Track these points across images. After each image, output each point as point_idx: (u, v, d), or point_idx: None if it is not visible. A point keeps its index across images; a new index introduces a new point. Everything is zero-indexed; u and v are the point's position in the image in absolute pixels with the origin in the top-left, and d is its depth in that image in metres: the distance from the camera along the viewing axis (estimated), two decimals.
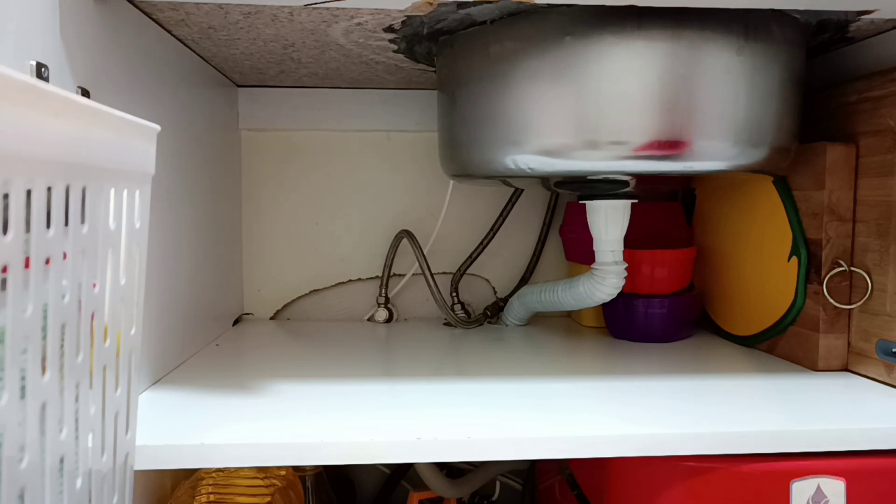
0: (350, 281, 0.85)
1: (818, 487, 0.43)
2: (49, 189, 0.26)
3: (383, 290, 0.83)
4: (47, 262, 0.26)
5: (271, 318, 0.85)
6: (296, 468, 0.67)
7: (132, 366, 0.36)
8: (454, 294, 0.84)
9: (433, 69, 0.70)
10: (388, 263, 0.83)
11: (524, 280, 0.86)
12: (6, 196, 0.23)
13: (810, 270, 0.59)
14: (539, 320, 0.83)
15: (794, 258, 0.60)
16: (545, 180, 0.59)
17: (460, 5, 0.50)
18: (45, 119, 0.25)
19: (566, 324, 0.81)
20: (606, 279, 0.64)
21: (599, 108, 0.50)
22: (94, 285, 0.31)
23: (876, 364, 0.55)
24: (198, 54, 0.65)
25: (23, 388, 0.25)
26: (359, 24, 0.54)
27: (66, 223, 0.27)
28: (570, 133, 0.51)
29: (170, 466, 0.40)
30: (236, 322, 0.82)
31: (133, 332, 0.36)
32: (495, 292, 0.86)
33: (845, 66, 0.62)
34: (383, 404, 0.48)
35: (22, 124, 0.23)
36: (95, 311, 0.31)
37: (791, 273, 0.61)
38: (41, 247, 0.25)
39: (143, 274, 0.37)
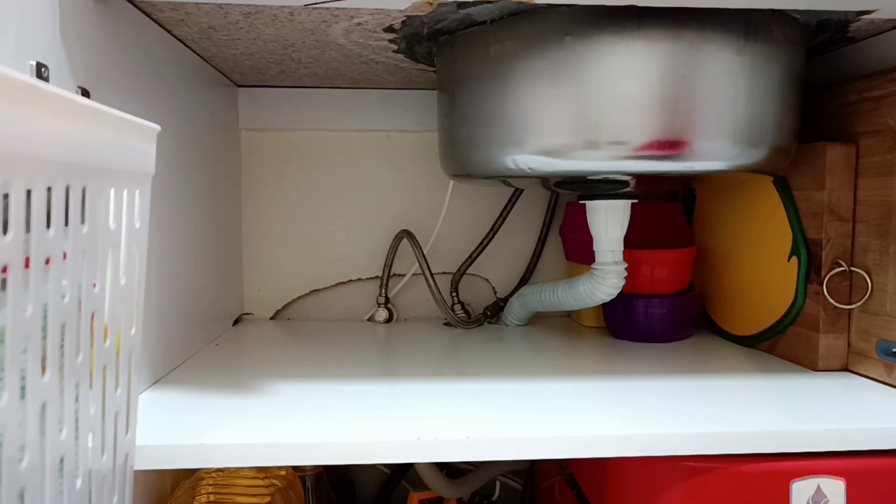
0: (350, 281, 0.85)
1: (818, 487, 0.43)
2: (49, 189, 0.26)
3: (383, 290, 0.83)
4: (47, 262, 0.26)
5: (271, 318, 0.85)
6: (296, 468, 0.67)
7: (132, 366, 0.36)
8: (454, 294, 0.84)
9: (433, 69, 0.70)
10: (388, 263, 0.83)
11: (524, 280, 0.86)
12: (6, 196, 0.23)
13: (810, 270, 0.59)
14: (539, 320, 0.83)
15: (794, 258, 0.60)
16: (545, 180, 0.59)
17: (460, 5, 0.50)
18: (45, 119, 0.25)
19: (566, 324, 0.81)
20: (606, 279, 0.64)
21: (599, 108, 0.50)
22: (94, 285, 0.31)
23: (876, 364, 0.55)
24: (198, 54, 0.65)
25: (23, 388, 0.25)
26: (359, 24, 0.54)
27: (66, 223, 0.27)
28: (570, 133, 0.51)
29: (170, 466, 0.40)
30: (236, 322, 0.82)
31: (133, 332, 0.36)
32: (495, 292, 0.86)
33: (845, 66, 0.62)
34: (383, 404, 0.48)
35: (22, 124, 0.23)
36: (95, 311, 0.31)
37: (791, 273, 0.61)
38: (41, 247, 0.25)
39: (143, 274, 0.37)
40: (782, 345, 0.63)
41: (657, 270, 0.70)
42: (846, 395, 0.51)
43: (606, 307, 0.73)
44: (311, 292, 0.85)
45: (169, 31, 0.57)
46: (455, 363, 0.62)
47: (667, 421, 0.44)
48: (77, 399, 0.30)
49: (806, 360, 0.59)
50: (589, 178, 0.56)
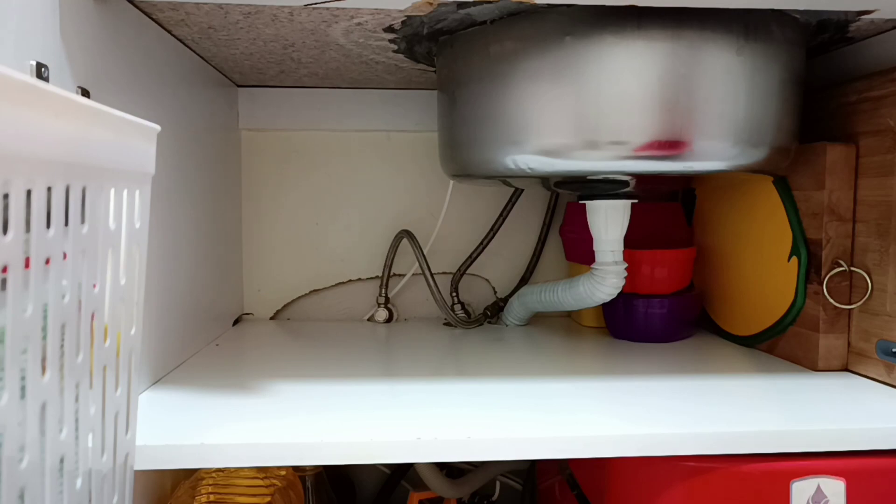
0: (350, 281, 0.85)
1: (818, 487, 0.43)
2: (49, 189, 0.26)
3: (383, 290, 0.83)
4: (47, 262, 0.26)
5: (271, 318, 0.85)
6: (296, 468, 0.67)
7: (132, 366, 0.36)
8: (454, 294, 0.84)
9: (433, 69, 0.70)
10: (388, 263, 0.83)
11: (524, 280, 0.86)
12: (6, 196, 0.23)
13: (810, 270, 0.59)
14: (539, 320, 0.83)
15: (794, 258, 0.60)
16: (545, 180, 0.59)
17: (460, 5, 0.50)
18: (45, 119, 0.25)
19: (566, 324, 0.81)
20: (606, 279, 0.64)
21: (599, 108, 0.50)
22: (94, 285, 0.31)
23: (876, 364, 0.55)
24: (198, 54, 0.65)
25: (23, 388, 0.25)
26: (359, 24, 0.54)
27: (66, 223, 0.27)
28: (570, 133, 0.51)
29: (170, 466, 0.40)
30: (236, 322, 0.82)
31: (133, 332, 0.36)
32: (495, 292, 0.86)
33: (845, 66, 0.62)
34: (383, 404, 0.48)
35: (22, 124, 0.23)
36: (95, 311, 0.31)
37: (791, 273, 0.61)
38: (41, 247, 0.25)
39: (143, 274, 0.37)
40: (782, 345, 0.63)
41: (657, 270, 0.70)
42: (846, 395, 0.51)
43: (606, 307, 0.73)
44: (311, 292, 0.85)
45: (169, 31, 0.57)
46: (455, 363, 0.62)
47: (667, 421, 0.44)
48: (77, 399, 0.30)
49: (806, 360, 0.59)
50: (589, 178, 0.56)
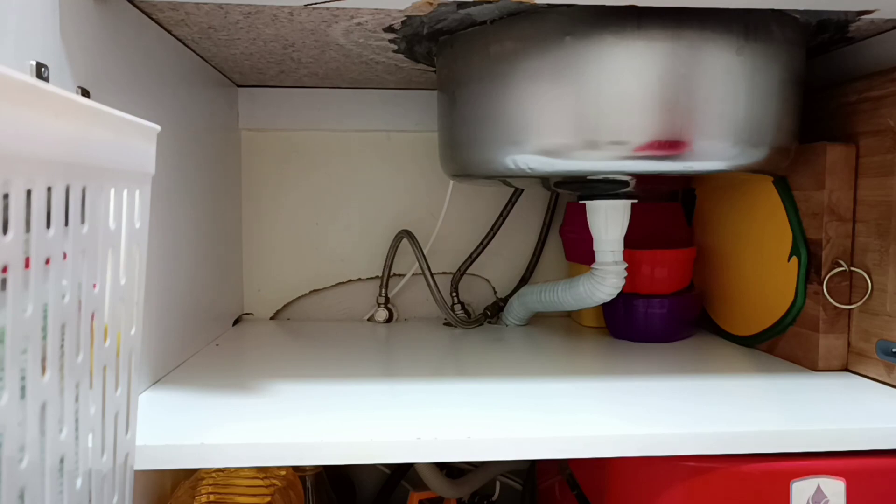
0: (350, 281, 0.85)
1: (818, 487, 0.43)
2: (49, 189, 0.26)
3: (383, 290, 0.83)
4: (47, 262, 0.26)
5: (271, 318, 0.85)
6: (296, 468, 0.67)
7: (132, 366, 0.36)
8: (454, 294, 0.84)
9: (433, 69, 0.70)
10: (388, 263, 0.83)
11: (524, 280, 0.86)
12: (6, 196, 0.23)
13: (810, 270, 0.59)
14: (539, 320, 0.83)
15: (794, 258, 0.60)
16: (545, 180, 0.59)
17: (460, 5, 0.50)
18: (45, 119, 0.25)
19: (566, 324, 0.81)
20: (606, 279, 0.64)
21: (599, 108, 0.50)
22: (94, 285, 0.31)
23: (876, 364, 0.55)
24: (198, 54, 0.65)
25: (23, 388, 0.25)
26: (359, 24, 0.54)
27: (66, 223, 0.27)
28: (570, 133, 0.51)
29: (170, 466, 0.40)
30: (236, 322, 0.82)
31: (133, 332, 0.36)
32: (495, 292, 0.86)
33: (845, 66, 0.62)
34: (383, 404, 0.48)
35: (22, 124, 0.23)
36: (95, 311, 0.31)
37: (791, 273, 0.61)
38: (41, 247, 0.25)
39: (143, 274, 0.37)
40: (782, 345, 0.63)
41: (657, 270, 0.70)
42: (846, 395, 0.51)
43: (606, 307, 0.73)
44: (311, 292, 0.85)
45: (169, 31, 0.57)
46: (455, 363, 0.62)
47: (667, 421, 0.44)
48: (77, 399, 0.30)
49: (806, 360, 0.59)
50: (589, 178, 0.56)
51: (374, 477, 0.85)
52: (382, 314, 0.83)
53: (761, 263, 0.65)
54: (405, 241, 0.83)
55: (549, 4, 0.49)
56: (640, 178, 0.55)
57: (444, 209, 0.84)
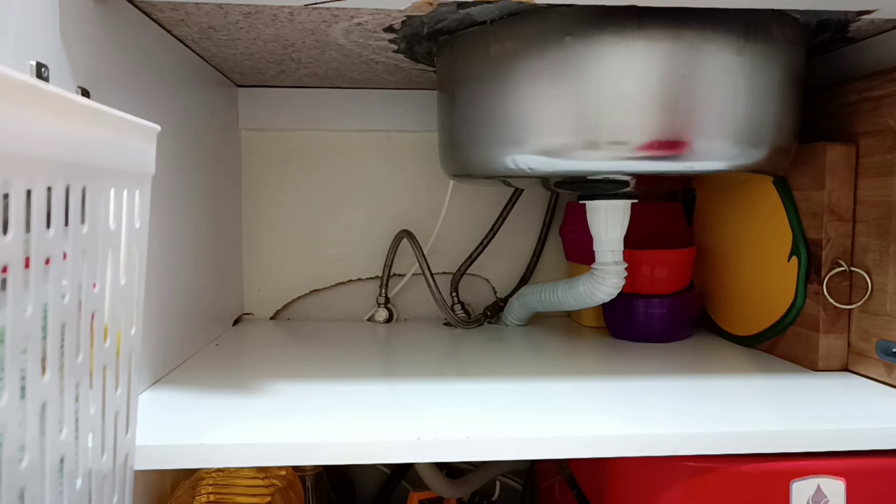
0: (350, 281, 0.85)
1: (818, 487, 0.43)
2: (49, 189, 0.26)
3: (383, 290, 0.83)
4: (47, 262, 0.26)
5: (271, 318, 0.85)
6: (296, 468, 0.67)
7: (132, 366, 0.36)
8: (454, 294, 0.84)
9: (433, 69, 0.70)
10: (388, 263, 0.83)
11: (524, 280, 0.86)
12: (6, 196, 0.23)
13: (810, 270, 0.59)
14: (539, 320, 0.83)
15: (794, 258, 0.60)
16: (545, 180, 0.59)
17: (460, 5, 0.50)
18: (45, 119, 0.25)
19: (566, 324, 0.81)
20: (606, 279, 0.64)
21: (599, 108, 0.50)
22: (94, 285, 0.31)
23: (876, 364, 0.55)
24: (198, 54, 0.65)
25: (23, 388, 0.25)
26: (359, 24, 0.54)
27: (66, 223, 0.27)
28: (570, 133, 0.51)
29: (170, 466, 0.40)
30: (236, 322, 0.82)
31: (133, 332, 0.36)
32: (495, 292, 0.86)
33: (845, 66, 0.62)
34: (383, 404, 0.48)
35: (22, 124, 0.23)
36: (95, 311, 0.31)
37: (791, 273, 0.61)
38: (41, 247, 0.25)
39: (143, 274, 0.37)
40: (782, 345, 0.63)
41: (657, 270, 0.70)
42: (846, 395, 0.51)
43: (606, 307, 0.73)
44: (311, 292, 0.85)
45: (169, 31, 0.57)
46: (455, 363, 0.62)
47: (667, 421, 0.44)
48: (77, 399, 0.30)
49: (806, 360, 0.59)
50: (589, 178, 0.56)
51: (374, 477, 0.85)
52: (382, 314, 0.83)
53: (761, 263, 0.65)
54: (405, 241, 0.83)
55: (549, 4, 0.49)
56: (640, 178, 0.55)
57: (444, 209, 0.84)
